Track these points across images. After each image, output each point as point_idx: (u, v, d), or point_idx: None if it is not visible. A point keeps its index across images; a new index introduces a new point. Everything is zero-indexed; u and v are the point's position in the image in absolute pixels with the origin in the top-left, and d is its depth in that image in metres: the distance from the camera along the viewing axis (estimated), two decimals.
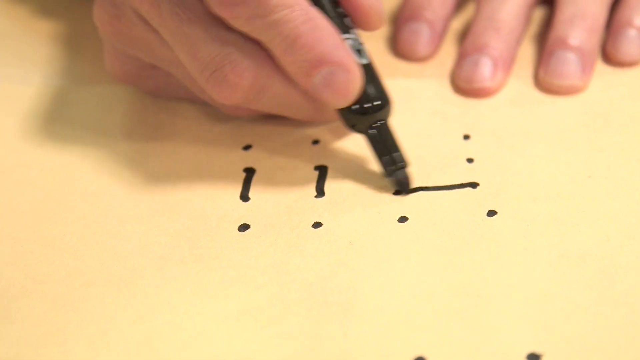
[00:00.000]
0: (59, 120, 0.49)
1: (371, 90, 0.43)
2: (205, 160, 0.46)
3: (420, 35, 0.51)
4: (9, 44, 0.54)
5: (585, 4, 0.50)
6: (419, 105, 0.49)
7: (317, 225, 0.42)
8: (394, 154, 0.43)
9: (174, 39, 0.42)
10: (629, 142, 0.45)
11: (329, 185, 0.44)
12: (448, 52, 0.51)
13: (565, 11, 0.50)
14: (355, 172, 0.45)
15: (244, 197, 0.44)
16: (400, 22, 0.52)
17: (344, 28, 0.43)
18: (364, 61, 0.43)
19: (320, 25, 0.41)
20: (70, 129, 0.48)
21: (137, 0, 0.42)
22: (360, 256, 0.40)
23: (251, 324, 0.37)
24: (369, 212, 0.42)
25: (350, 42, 0.43)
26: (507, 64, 0.49)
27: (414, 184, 0.43)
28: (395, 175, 0.43)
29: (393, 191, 0.43)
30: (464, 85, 0.49)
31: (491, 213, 0.42)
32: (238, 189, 0.44)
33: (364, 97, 0.42)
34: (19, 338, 0.38)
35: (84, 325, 0.38)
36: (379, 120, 0.43)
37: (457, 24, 0.53)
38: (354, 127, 0.43)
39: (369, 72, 0.43)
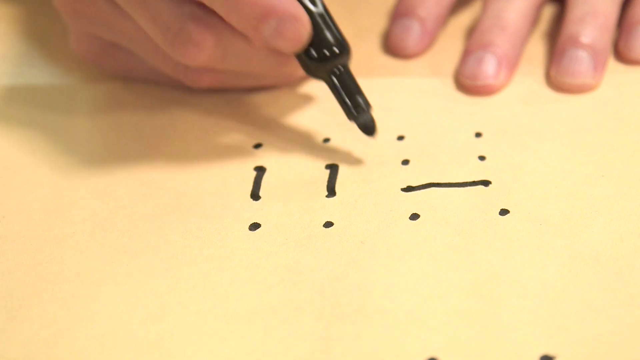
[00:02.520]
0: (68, 118, 0.49)
1: (328, 37, 0.43)
2: (216, 158, 0.45)
3: (411, 32, 0.51)
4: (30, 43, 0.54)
5: (596, 2, 0.49)
6: (429, 102, 0.48)
7: (328, 224, 0.41)
8: (357, 98, 0.44)
9: (134, 7, 0.43)
10: None
11: (340, 183, 0.44)
12: (455, 50, 0.51)
13: (576, 9, 0.49)
14: (366, 170, 0.44)
15: (255, 195, 0.43)
16: (393, 18, 0.52)
17: None
18: (317, 9, 0.44)
19: None
20: (79, 127, 0.48)
21: None
22: (371, 256, 0.40)
23: (262, 324, 0.37)
24: (380, 210, 0.42)
25: None
26: (512, 62, 0.49)
27: (378, 127, 0.44)
28: (358, 118, 0.44)
29: (404, 186, 0.43)
30: (467, 82, 0.49)
31: (503, 212, 0.41)
32: (249, 187, 0.44)
33: (321, 44, 0.43)
34: (30, 337, 0.37)
35: (94, 325, 0.38)
36: (340, 66, 0.44)
37: (463, 21, 0.53)
38: (315, 74, 0.44)
39: (325, 20, 0.44)
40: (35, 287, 0.39)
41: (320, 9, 0.44)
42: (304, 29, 0.42)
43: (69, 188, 0.44)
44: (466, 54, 0.49)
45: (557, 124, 0.46)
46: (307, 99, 0.49)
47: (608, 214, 0.41)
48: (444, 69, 0.50)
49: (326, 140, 0.46)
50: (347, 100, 0.44)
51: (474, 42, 0.49)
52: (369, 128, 0.44)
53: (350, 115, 0.44)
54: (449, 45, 0.52)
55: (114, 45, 0.47)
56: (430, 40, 0.51)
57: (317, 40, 0.43)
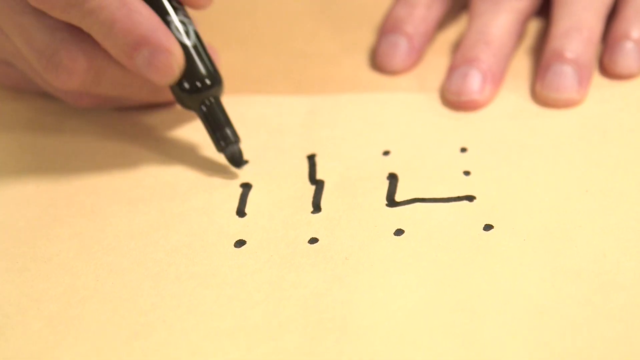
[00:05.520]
0: (54, 136, 0.49)
1: (200, 69, 0.45)
2: (202, 175, 0.46)
3: (398, 49, 0.51)
4: None
5: (581, 17, 0.49)
6: (414, 117, 0.49)
7: (313, 241, 0.42)
8: (226, 130, 0.45)
9: (11, 30, 0.44)
10: (626, 155, 0.45)
11: (326, 199, 0.44)
12: (442, 65, 0.51)
13: (561, 24, 0.50)
14: (351, 185, 0.44)
15: (241, 212, 0.44)
16: (380, 34, 0.52)
17: (173, 8, 0.45)
18: (191, 41, 0.45)
19: (136, 9, 0.43)
20: (64, 145, 0.48)
21: None
22: (355, 272, 0.40)
23: (247, 341, 0.37)
24: (365, 225, 0.42)
25: (175, 23, 0.45)
26: (497, 77, 0.49)
27: (245, 158, 0.45)
28: (226, 150, 0.45)
29: (385, 203, 0.43)
30: (453, 97, 0.49)
31: (487, 227, 0.42)
32: (234, 204, 0.44)
33: (193, 76, 0.45)
34: (14, 355, 0.37)
35: (79, 343, 0.38)
36: (210, 98, 0.45)
37: (450, 36, 0.53)
38: (186, 105, 0.45)
39: (198, 52, 0.45)
40: (20, 305, 0.39)
41: (194, 40, 0.45)
42: (176, 62, 0.44)
43: (54, 206, 0.44)
44: (451, 69, 0.49)
45: (542, 139, 0.46)
46: (291, 115, 0.49)
47: (591, 229, 0.41)
48: (430, 85, 0.50)
49: (312, 156, 0.46)
50: (215, 133, 0.45)
51: (458, 57, 0.50)
52: (236, 160, 0.45)
53: (218, 146, 0.45)
54: (436, 60, 0.52)
55: (7, 63, 0.48)
56: (417, 56, 0.52)
57: (189, 71, 0.44)
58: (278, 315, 0.38)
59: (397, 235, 0.42)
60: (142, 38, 0.43)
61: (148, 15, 0.43)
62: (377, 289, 0.39)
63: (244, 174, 0.45)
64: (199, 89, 0.45)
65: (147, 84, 0.46)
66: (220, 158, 0.46)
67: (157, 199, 0.44)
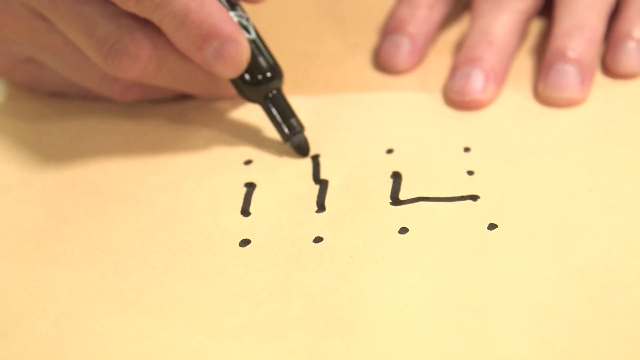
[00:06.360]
0: (58, 136, 0.49)
1: (262, 63, 0.46)
2: (206, 175, 0.46)
3: (401, 49, 0.51)
4: None
5: (583, 16, 0.50)
6: (418, 117, 0.49)
7: (318, 239, 0.42)
8: (291, 120, 0.46)
9: (69, 21, 0.44)
10: (629, 154, 0.45)
11: (330, 198, 0.44)
12: (444, 65, 0.51)
13: (563, 23, 0.50)
14: (355, 184, 0.45)
15: (245, 212, 0.44)
16: (383, 34, 0.52)
17: (230, 5, 0.45)
18: (251, 36, 0.45)
19: (208, 1, 0.43)
20: (69, 145, 0.48)
21: None
22: (361, 270, 0.40)
23: (253, 340, 0.37)
24: (369, 224, 0.42)
25: (236, 18, 0.45)
26: (499, 77, 0.49)
27: (312, 148, 0.46)
28: (293, 140, 0.46)
29: (390, 202, 0.43)
30: (455, 97, 0.49)
31: (492, 226, 0.42)
32: (239, 203, 0.44)
33: (255, 69, 0.45)
34: (21, 356, 0.38)
35: (85, 343, 0.38)
36: (273, 90, 0.46)
37: (453, 36, 0.53)
38: (249, 98, 0.46)
39: (258, 46, 0.46)
40: (26, 306, 0.39)
41: (254, 35, 0.46)
42: (244, 54, 0.44)
43: (59, 206, 0.44)
44: (454, 69, 0.50)
45: (545, 138, 0.46)
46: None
47: (595, 228, 0.41)
48: (433, 84, 0.51)
49: (315, 155, 0.46)
50: (282, 123, 0.46)
51: (461, 57, 0.50)
52: (302, 149, 0.46)
53: (284, 136, 0.46)
54: (438, 60, 0.52)
55: (28, 59, 0.48)
56: (420, 56, 0.52)
57: (251, 65, 0.45)
58: (284, 314, 0.38)
59: (402, 233, 0.42)
60: (214, 29, 0.43)
61: (219, 7, 0.44)
62: (382, 287, 0.39)
63: (248, 174, 0.46)
64: (262, 81, 0.46)
65: (203, 76, 0.47)
66: (225, 158, 0.46)
67: (162, 199, 0.44)
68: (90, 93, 0.49)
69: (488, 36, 0.50)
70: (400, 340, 0.37)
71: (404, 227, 0.42)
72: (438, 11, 0.53)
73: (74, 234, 0.43)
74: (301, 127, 0.46)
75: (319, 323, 0.38)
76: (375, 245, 0.41)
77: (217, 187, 0.45)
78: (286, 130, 0.46)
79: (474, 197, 0.43)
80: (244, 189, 0.45)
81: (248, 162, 0.46)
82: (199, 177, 0.46)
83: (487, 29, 0.50)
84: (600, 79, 0.50)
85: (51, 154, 0.48)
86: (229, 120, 0.49)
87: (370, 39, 0.54)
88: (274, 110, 0.46)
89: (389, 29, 0.52)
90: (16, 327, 0.39)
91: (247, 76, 0.45)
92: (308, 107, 0.49)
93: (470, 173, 0.45)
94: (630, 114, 0.48)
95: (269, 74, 0.46)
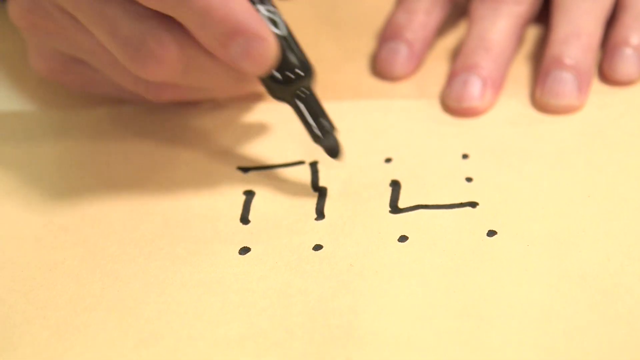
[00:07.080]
0: (55, 144, 0.49)
1: (292, 60, 0.43)
2: (205, 183, 0.46)
3: (399, 55, 0.51)
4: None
5: (580, 23, 0.50)
6: (416, 124, 0.49)
7: (317, 247, 0.42)
8: (321, 120, 0.44)
9: (93, 21, 0.42)
10: (627, 160, 0.45)
11: (329, 206, 0.44)
12: (442, 71, 0.51)
13: (560, 30, 0.50)
14: (354, 192, 0.45)
15: (244, 219, 0.44)
16: (381, 40, 0.52)
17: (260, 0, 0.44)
18: (281, 32, 0.43)
19: None
20: (67, 153, 0.48)
21: None
22: (361, 278, 0.40)
23: (253, 348, 0.37)
24: (369, 232, 0.42)
25: (265, 13, 0.43)
26: (497, 83, 0.49)
27: (343, 151, 0.44)
28: (323, 141, 0.44)
29: (389, 210, 0.43)
30: (453, 104, 0.49)
31: (491, 233, 0.42)
32: (238, 211, 0.44)
33: (285, 67, 0.43)
34: None
35: (86, 351, 0.38)
36: (303, 89, 0.44)
37: (450, 43, 0.54)
38: (279, 97, 0.44)
39: (288, 43, 0.43)
40: (26, 314, 0.39)
41: (284, 31, 0.44)
42: (271, 51, 0.42)
43: (59, 214, 0.44)
44: (451, 76, 0.50)
45: (543, 145, 0.47)
46: (293, 121, 0.49)
47: (594, 234, 0.41)
48: (431, 91, 0.51)
49: (314, 163, 0.46)
50: (312, 123, 0.44)
51: (459, 64, 0.50)
52: (334, 151, 0.44)
53: (315, 138, 0.44)
54: (436, 67, 0.52)
55: (74, 59, 0.47)
56: (417, 62, 0.52)
57: (281, 63, 0.43)
58: (284, 322, 0.38)
59: (401, 241, 0.42)
60: (238, 26, 0.41)
61: (243, 3, 0.42)
62: (382, 294, 0.39)
63: (247, 182, 0.46)
64: (292, 79, 0.43)
65: (231, 74, 0.45)
66: (224, 166, 0.46)
67: (161, 207, 0.44)
68: (137, 95, 0.48)
69: (485, 42, 0.50)
70: (401, 347, 0.37)
71: (404, 235, 0.42)
72: (435, 17, 0.53)
73: (74, 241, 0.43)
74: (333, 128, 0.44)
75: (319, 331, 0.38)
76: (375, 253, 0.41)
77: (216, 195, 0.45)
78: (317, 131, 0.44)
79: (473, 204, 0.43)
80: (243, 197, 0.45)
81: (247, 170, 0.46)
82: (198, 185, 0.46)
83: (484, 34, 0.50)
84: (597, 85, 0.50)
85: (49, 161, 0.48)
86: (227, 128, 0.49)
87: (367, 45, 0.54)
88: (304, 110, 0.44)
89: (387, 35, 0.52)
90: (17, 336, 0.39)
91: (277, 74, 0.43)
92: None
93: (469, 180, 0.45)
94: (628, 120, 0.48)
95: (299, 72, 0.43)
